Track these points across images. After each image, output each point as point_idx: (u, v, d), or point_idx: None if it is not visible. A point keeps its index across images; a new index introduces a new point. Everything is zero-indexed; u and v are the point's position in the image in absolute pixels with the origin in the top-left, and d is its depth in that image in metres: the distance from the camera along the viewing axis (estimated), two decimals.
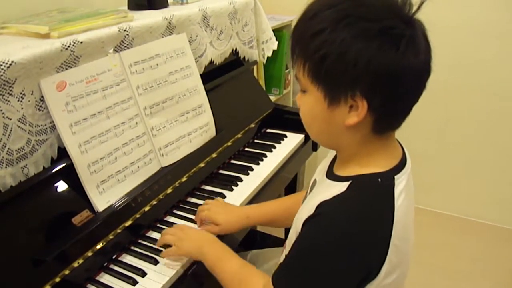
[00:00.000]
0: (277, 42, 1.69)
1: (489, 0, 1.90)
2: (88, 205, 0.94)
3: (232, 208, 1.08)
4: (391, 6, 0.66)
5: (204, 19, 1.34)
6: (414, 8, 0.67)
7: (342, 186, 0.71)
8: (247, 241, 1.16)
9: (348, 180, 0.71)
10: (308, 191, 0.87)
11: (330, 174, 0.78)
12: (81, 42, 0.97)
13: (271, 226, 1.11)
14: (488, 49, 1.97)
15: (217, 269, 0.87)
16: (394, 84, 0.65)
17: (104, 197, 0.97)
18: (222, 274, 0.86)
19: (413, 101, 0.70)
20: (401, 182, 0.72)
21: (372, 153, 0.73)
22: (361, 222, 0.68)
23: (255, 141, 1.49)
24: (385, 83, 0.65)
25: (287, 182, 1.47)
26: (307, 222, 0.72)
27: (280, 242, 1.62)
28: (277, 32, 1.98)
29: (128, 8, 1.33)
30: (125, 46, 1.08)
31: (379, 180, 0.70)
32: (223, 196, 1.17)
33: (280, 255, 0.96)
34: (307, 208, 0.74)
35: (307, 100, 0.72)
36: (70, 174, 0.93)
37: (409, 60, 0.64)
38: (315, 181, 0.86)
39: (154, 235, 1.04)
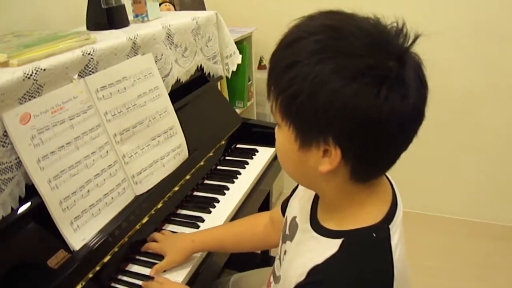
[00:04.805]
0: (241, 56, 1.67)
1: (472, 3, 1.94)
2: (63, 244, 0.88)
3: (177, 235, 1.06)
4: (379, 39, 0.56)
5: (168, 37, 1.29)
6: (410, 40, 0.56)
7: (333, 245, 0.63)
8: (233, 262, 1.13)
9: (339, 237, 0.63)
10: (287, 228, 0.79)
11: (316, 225, 0.69)
12: (44, 70, 0.90)
13: (223, 252, 1.08)
14: (467, 51, 2.00)
15: None
16: (374, 133, 0.56)
17: (79, 234, 0.91)
18: None
19: (399, 149, 0.61)
20: (396, 230, 0.64)
21: (358, 201, 0.65)
22: (361, 287, 0.61)
23: (226, 158, 1.46)
24: (363, 131, 0.56)
25: (265, 194, 1.46)
26: None
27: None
28: (238, 44, 1.95)
29: (87, 28, 1.26)
30: (90, 71, 1.02)
31: (374, 235, 0.63)
32: (202, 220, 1.13)
33: (264, 275, 0.92)
34: (296, 267, 0.67)
35: (280, 136, 0.65)
36: (41, 213, 0.86)
37: (394, 104, 0.54)
38: (295, 222, 0.76)
39: (134, 268, 0.99)
